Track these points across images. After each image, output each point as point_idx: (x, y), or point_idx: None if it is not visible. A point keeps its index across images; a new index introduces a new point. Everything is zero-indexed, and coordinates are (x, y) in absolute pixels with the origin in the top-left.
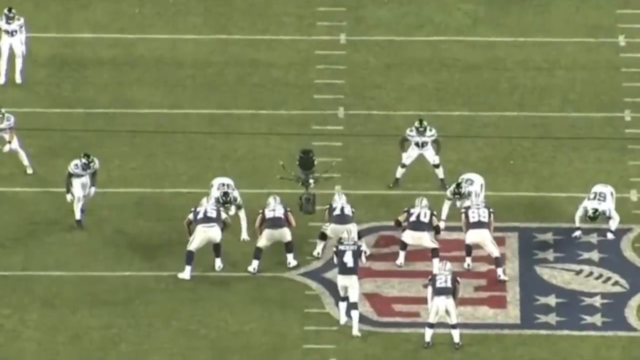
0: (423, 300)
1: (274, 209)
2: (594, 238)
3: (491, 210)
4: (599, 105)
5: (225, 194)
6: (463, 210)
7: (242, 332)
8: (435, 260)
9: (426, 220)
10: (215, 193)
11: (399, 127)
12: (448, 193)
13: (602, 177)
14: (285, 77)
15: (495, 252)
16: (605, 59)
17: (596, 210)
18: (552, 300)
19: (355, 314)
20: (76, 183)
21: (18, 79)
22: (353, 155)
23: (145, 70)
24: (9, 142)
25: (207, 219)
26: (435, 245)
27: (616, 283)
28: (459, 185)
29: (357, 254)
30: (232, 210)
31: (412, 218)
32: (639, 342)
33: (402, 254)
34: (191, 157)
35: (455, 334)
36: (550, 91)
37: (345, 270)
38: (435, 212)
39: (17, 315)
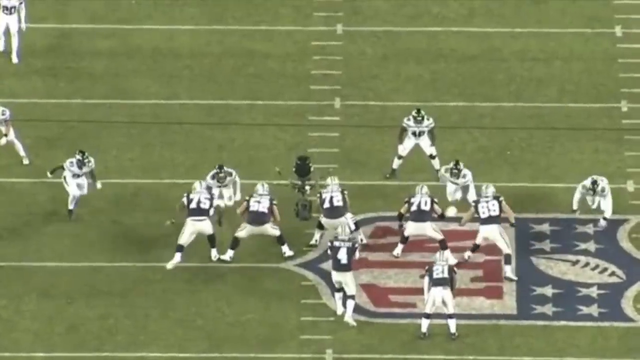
0: (419, 291)
1: (260, 200)
2: (590, 229)
3: (501, 199)
4: (596, 96)
5: (220, 166)
6: (473, 203)
7: (238, 322)
8: (446, 252)
9: (427, 208)
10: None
11: (395, 117)
12: (443, 171)
13: (599, 167)
14: (282, 68)
15: (505, 248)
16: (602, 50)
17: (595, 181)
18: (548, 290)
19: (350, 303)
20: (72, 182)
21: (15, 59)
22: (350, 145)
23: (142, 61)
24: (5, 135)
25: (198, 211)
26: (440, 236)
27: (613, 274)
28: (457, 164)
29: (351, 251)
30: (230, 188)
31: (414, 208)
32: (636, 333)
33: (400, 246)
34: (188, 147)
35: (452, 324)
36: (547, 82)
37: (339, 267)
38: (436, 200)
39: (14, 305)
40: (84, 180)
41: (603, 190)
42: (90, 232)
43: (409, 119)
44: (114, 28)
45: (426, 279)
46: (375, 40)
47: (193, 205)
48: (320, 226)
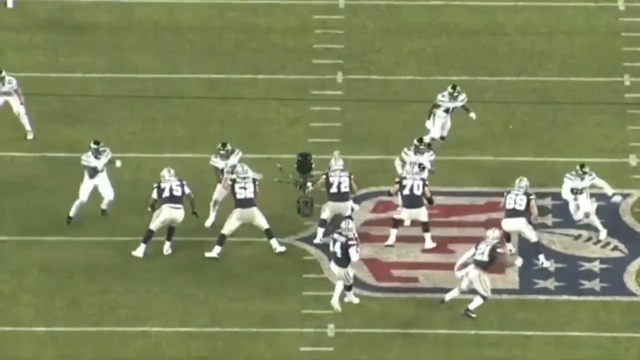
0: (422, 266)
1: (245, 186)
2: (593, 203)
3: (531, 196)
4: (599, 70)
5: (224, 144)
6: (505, 193)
7: (240, 297)
8: (427, 235)
9: (419, 193)
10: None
11: (397, 92)
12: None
13: (602, 142)
14: (284, 42)
15: (533, 238)
16: (605, 24)
17: (583, 164)
18: (550, 265)
19: (339, 289)
20: (88, 183)
21: (10, 4)
22: (351, 120)
23: (143, 35)
24: (22, 104)
25: (173, 199)
26: (425, 219)
27: (615, 248)
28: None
29: (344, 247)
30: (235, 159)
31: (406, 192)
32: (638, 307)
33: (393, 232)
34: (190, 122)
35: (476, 301)
36: (549, 56)
37: (335, 259)
38: (427, 182)
39: (15, 280)
40: (104, 180)
41: (591, 174)
42: (92, 207)
43: (443, 96)
44: (115, 2)
45: (472, 250)
46: (377, 14)
47: (166, 193)
48: (322, 223)
